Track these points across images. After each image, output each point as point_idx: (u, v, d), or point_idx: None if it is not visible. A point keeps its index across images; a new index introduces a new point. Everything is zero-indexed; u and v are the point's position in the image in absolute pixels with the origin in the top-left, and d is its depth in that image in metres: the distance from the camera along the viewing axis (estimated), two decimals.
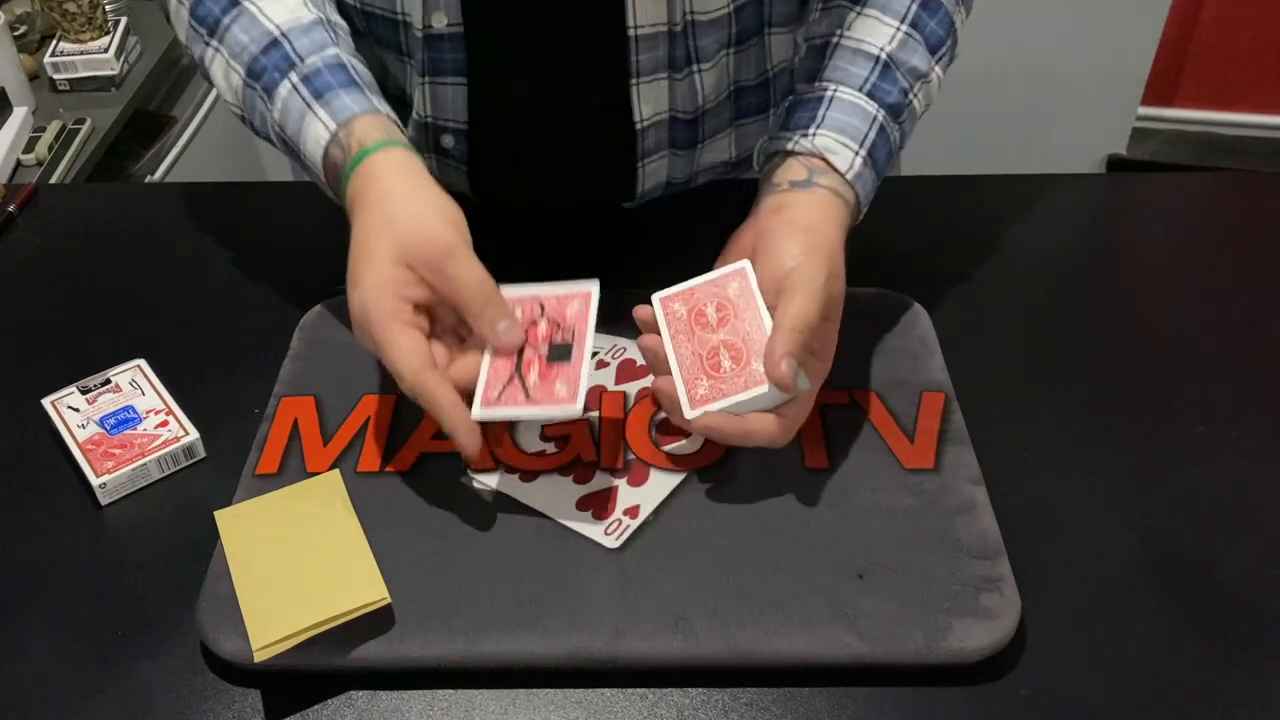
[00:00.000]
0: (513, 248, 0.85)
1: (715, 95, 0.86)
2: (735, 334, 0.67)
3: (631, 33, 0.77)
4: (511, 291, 0.67)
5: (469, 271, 0.65)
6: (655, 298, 0.70)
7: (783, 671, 0.60)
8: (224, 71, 0.75)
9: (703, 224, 0.78)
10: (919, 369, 0.76)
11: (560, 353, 0.65)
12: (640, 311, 0.70)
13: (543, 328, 0.67)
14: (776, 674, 0.60)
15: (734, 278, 0.68)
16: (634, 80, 0.80)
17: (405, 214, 0.66)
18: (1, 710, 0.59)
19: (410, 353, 0.63)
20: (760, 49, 0.85)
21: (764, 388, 0.64)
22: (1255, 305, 0.85)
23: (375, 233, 0.66)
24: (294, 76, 0.72)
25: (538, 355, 0.66)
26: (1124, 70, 2.08)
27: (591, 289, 0.68)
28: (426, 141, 0.87)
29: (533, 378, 0.65)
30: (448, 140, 0.86)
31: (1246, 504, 0.69)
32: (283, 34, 0.73)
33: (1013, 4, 1.89)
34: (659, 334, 0.68)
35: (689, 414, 0.65)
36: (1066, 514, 0.69)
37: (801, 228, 0.68)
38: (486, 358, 0.66)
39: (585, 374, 0.64)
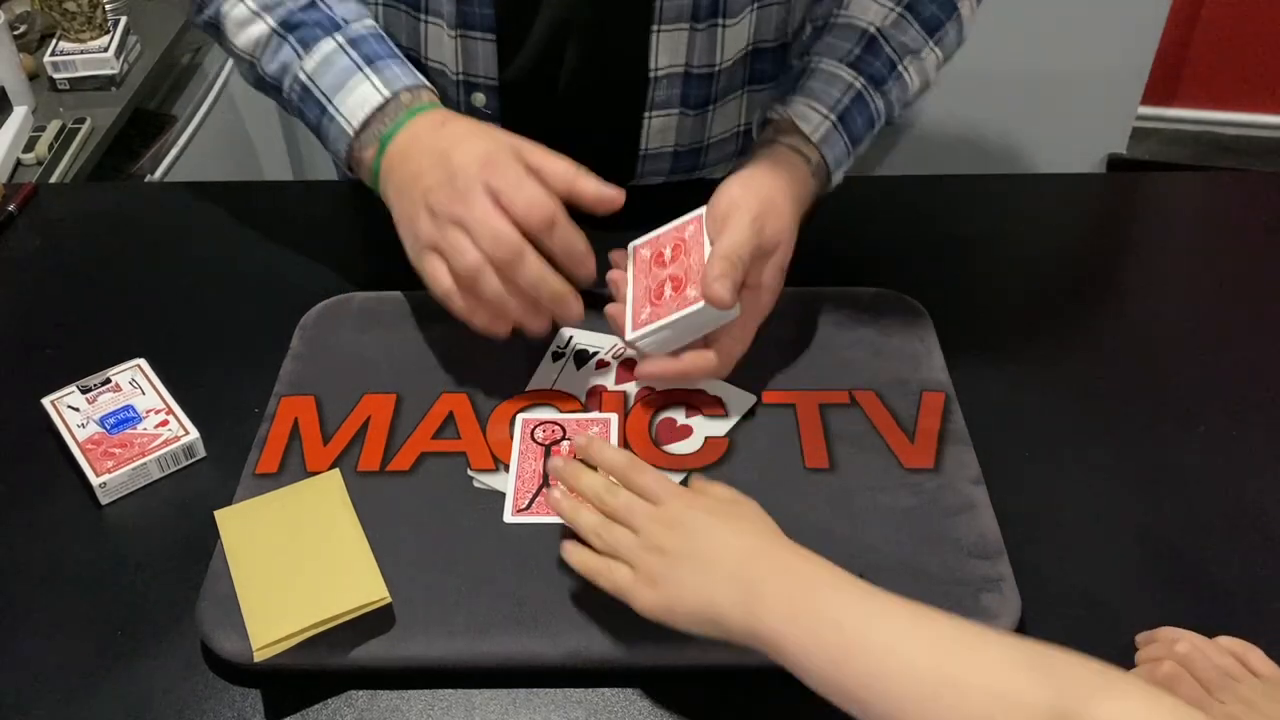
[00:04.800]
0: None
1: (734, 53, 0.87)
2: (680, 268, 0.73)
3: None
4: (534, 414, 0.73)
5: (549, 154, 0.71)
6: (630, 245, 0.77)
7: (783, 671, 0.60)
8: (245, 18, 0.79)
9: None
10: (919, 369, 0.76)
11: None
12: (614, 254, 0.78)
13: (565, 448, 0.70)
14: (777, 674, 0.60)
15: (691, 223, 0.75)
16: (655, 27, 0.81)
17: (486, 127, 0.73)
18: (1, 710, 0.59)
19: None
20: (784, 9, 0.86)
21: (694, 307, 0.69)
22: (1255, 305, 0.85)
23: (479, 129, 0.73)
24: (339, 37, 0.77)
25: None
26: (1124, 70, 2.07)
27: (612, 418, 0.72)
28: (459, 101, 0.88)
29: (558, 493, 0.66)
30: (479, 98, 0.87)
31: (1246, 504, 0.69)
32: None
33: (1013, 4, 1.89)
34: (622, 272, 0.76)
35: (629, 335, 0.72)
36: (1066, 514, 0.69)
37: (744, 174, 0.75)
38: (513, 468, 0.69)
39: None
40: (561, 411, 0.73)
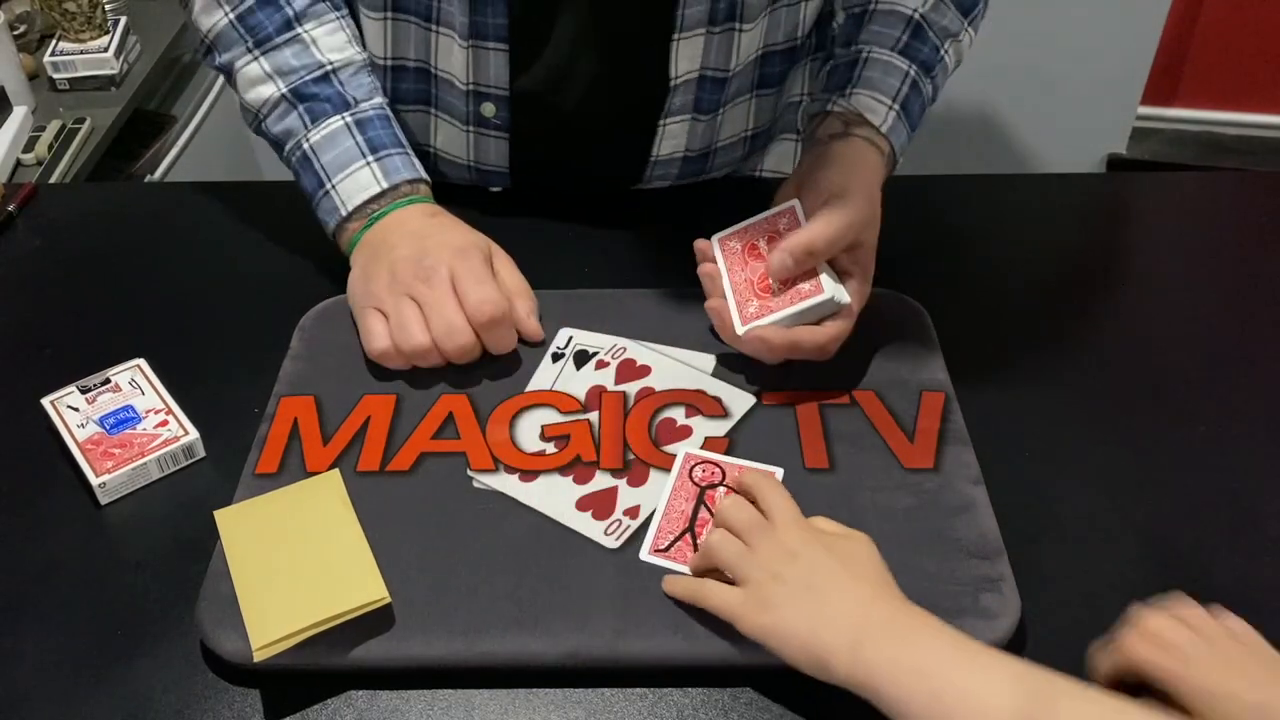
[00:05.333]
0: (529, 244, 0.85)
1: (747, 57, 0.87)
2: None
3: None
4: (697, 449, 0.70)
5: (512, 268, 0.80)
6: (714, 238, 0.78)
7: (782, 672, 0.60)
8: (258, 78, 0.82)
9: (715, 222, 0.79)
10: (919, 369, 0.76)
11: None
12: (700, 243, 0.78)
13: (720, 493, 0.68)
14: (776, 674, 0.60)
15: (784, 215, 0.76)
16: (676, 35, 0.82)
17: (468, 227, 0.80)
18: (1, 710, 0.59)
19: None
20: (795, 11, 0.87)
21: (808, 302, 0.70)
22: (1255, 305, 0.85)
23: (460, 225, 0.80)
24: (349, 117, 0.81)
25: (712, 520, 0.66)
26: (1124, 70, 2.08)
27: (778, 472, 0.69)
28: (468, 111, 0.88)
29: (705, 537, 0.64)
30: (488, 108, 0.87)
31: (1246, 504, 0.69)
32: (334, 70, 0.81)
33: (1012, 4, 1.89)
34: (715, 265, 0.76)
35: (740, 329, 0.73)
36: (1066, 514, 0.69)
37: (840, 166, 0.77)
38: (664, 500, 0.67)
39: None
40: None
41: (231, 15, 0.81)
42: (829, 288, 0.72)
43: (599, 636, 0.60)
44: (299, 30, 0.81)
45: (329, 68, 0.81)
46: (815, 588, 0.57)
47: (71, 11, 1.58)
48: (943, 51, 0.83)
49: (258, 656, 0.57)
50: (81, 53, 1.59)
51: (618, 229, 0.91)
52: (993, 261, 0.90)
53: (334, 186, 0.80)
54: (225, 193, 0.99)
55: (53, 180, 1.41)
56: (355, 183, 0.79)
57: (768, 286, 0.73)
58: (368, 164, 0.80)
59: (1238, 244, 0.93)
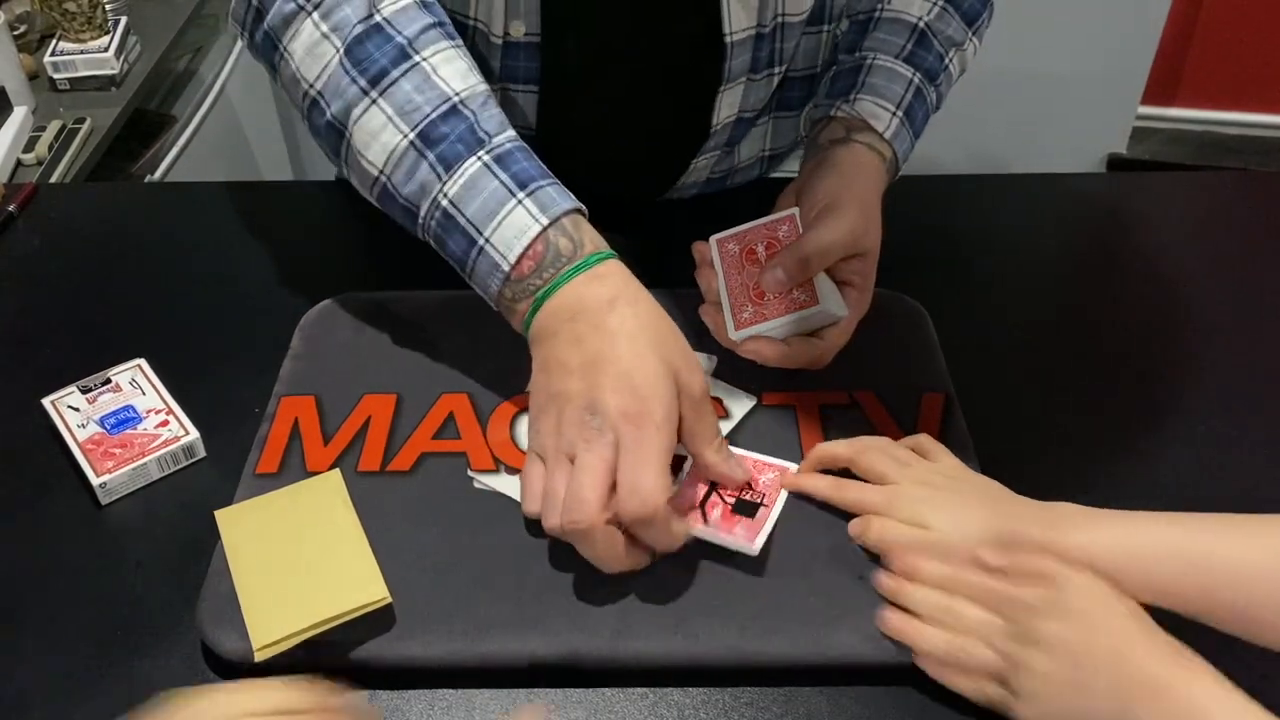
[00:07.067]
0: None
1: (774, 88, 0.87)
2: None
3: (728, 39, 0.78)
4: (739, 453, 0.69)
5: (710, 413, 0.65)
6: (712, 239, 0.77)
7: (783, 671, 0.60)
8: (378, 127, 0.68)
9: (716, 223, 0.79)
10: (919, 369, 0.76)
11: (746, 508, 0.65)
12: (698, 246, 0.77)
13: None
14: (776, 674, 0.60)
15: (784, 222, 0.75)
16: (722, 87, 0.81)
17: (673, 339, 0.64)
18: (1, 710, 0.59)
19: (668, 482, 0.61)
20: (817, 40, 0.87)
21: (802, 312, 0.71)
22: (1255, 305, 0.85)
23: (645, 337, 0.63)
24: (485, 156, 0.67)
25: (724, 503, 0.65)
26: (1124, 70, 2.08)
27: (790, 466, 0.68)
28: None
29: (715, 516, 0.64)
30: None
31: (1249, 504, 0.69)
32: (462, 101, 0.68)
33: (1012, 4, 1.89)
34: (713, 269, 0.76)
35: (733, 335, 0.73)
36: None
37: (837, 174, 0.76)
38: (677, 487, 0.66)
39: (768, 529, 0.63)
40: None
41: (339, 55, 0.69)
42: (824, 298, 0.72)
43: (599, 636, 0.60)
44: (415, 58, 0.68)
45: (455, 99, 0.68)
46: (1072, 654, 0.54)
47: (71, 11, 1.58)
48: (947, 60, 0.83)
49: (258, 656, 0.57)
50: (81, 53, 1.59)
51: (619, 230, 0.91)
52: (993, 261, 0.90)
53: (488, 240, 0.66)
54: (225, 193, 0.99)
55: (53, 180, 1.41)
56: (511, 228, 0.65)
57: (763, 292, 0.73)
58: (519, 202, 0.66)
59: (1238, 244, 0.93)
